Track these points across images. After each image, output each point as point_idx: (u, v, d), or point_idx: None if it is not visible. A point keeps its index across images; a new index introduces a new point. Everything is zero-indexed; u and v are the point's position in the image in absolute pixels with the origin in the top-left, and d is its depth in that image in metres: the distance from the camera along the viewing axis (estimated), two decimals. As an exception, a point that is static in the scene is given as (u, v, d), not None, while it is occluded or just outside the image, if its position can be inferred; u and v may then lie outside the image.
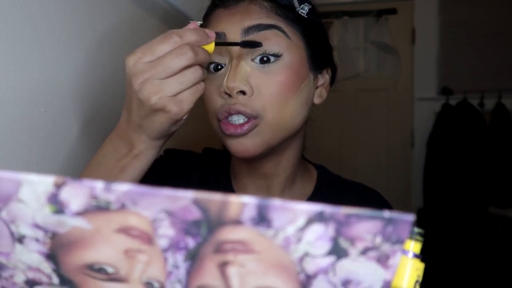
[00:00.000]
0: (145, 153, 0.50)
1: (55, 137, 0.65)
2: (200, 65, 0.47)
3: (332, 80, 0.68)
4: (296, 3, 0.59)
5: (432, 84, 2.75)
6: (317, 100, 0.64)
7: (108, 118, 0.77)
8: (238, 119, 0.56)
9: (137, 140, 0.49)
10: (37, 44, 0.60)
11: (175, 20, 1.03)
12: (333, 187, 0.70)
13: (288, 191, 0.67)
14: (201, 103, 0.59)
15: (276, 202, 0.22)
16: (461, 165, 2.50)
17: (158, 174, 0.69)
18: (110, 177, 0.50)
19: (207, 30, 0.50)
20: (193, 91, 0.47)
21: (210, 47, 0.50)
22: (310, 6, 0.60)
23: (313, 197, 0.68)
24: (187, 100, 0.46)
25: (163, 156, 0.72)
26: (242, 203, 0.22)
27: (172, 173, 0.70)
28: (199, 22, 0.63)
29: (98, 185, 0.22)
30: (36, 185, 0.23)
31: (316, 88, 0.63)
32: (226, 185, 0.69)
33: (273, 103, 0.56)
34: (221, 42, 0.55)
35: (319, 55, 0.63)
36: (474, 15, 2.65)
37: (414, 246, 0.35)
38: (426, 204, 2.67)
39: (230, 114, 0.56)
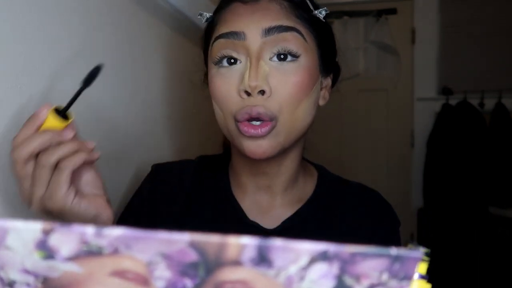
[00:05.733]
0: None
1: (56, 137, 0.65)
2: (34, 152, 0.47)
3: (334, 82, 0.68)
4: (311, 6, 0.60)
5: (432, 84, 2.74)
6: (321, 102, 0.65)
7: (108, 119, 0.77)
8: (257, 122, 0.56)
9: None
10: (37, 44, 0.60)
11: (177, 21, 1.03)
12: (333, 187, 0.70)
13: (290, 191, 0.67)
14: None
15: (277, 243, 0.21)
16: (461, 165, 2.49)
17: (148, 193, 0.69)
18: None
19: (37, 111, 0.48)
20: (37, 183, 0.47)
21: (52, 121, 0.48)
22: (328, 11, 0.61)
23: (314, 197, 0.68)
24: (35, 196, 0.47)
25: (149, 173, 0.72)
26: (241, 244, 0.21)
27: (161, 187, 0.69)
28: (209, 14, 0.63)
29: (89, 231, 0.22)
30: (23, 233, 0.22)
31: (321, 90, 0.64)
32: (225, 185, 0.69)
33: (289, 105, 0.57)
34: (69, 103, 0.51)
35: (328, 59, 0.64)
36: (474, 15, 2.65)
37: (420, 267, 0.34)
38: (426, 204, 2.67)
39: (251, 117, 0.56)
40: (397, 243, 0.68)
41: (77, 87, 0.70)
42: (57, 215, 0.48)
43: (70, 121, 0.50)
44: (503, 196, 2.44)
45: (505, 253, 2.33)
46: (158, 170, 0.72)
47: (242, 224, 0.65)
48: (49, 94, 0.63)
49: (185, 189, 0.69)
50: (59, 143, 0.47)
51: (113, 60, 0.79)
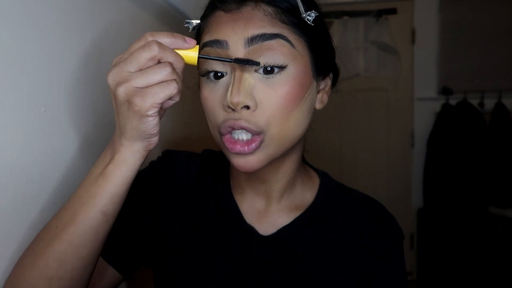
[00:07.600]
0: (125, 159, 0.51)
1: (55, 137, 0.65)
2: (172, 64, 0.47)
3: (334, 83, 0.65)
4: (302, 9, 0.55)
5: (432, 84, 2.75)
6: (318, 106, 0.62)
7: (108, 117, 0.77)
8: (241, 134, 0.54)
9: (118, 144, 0.51)
10: (38, 44, 0.60)
11: (172, 18, 1.03)
12: (335, 196, 0.68)
13: (287, 197, 0.66)
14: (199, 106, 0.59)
15: None
16: (461, 165, 2.50)
17: (155, 175, 0.69)
18: (95, 185, 0.51)
19: (187, 38, 0.49)
20: (160, 87, 0.46)
21: (193, 58, 0.50)
22: (317, 13, 0.56)
23: (314, 206, 0.66)
24: (152, 94, 0.46)
25: (160, 157, 0.72)
26: None
27: (168, 172, 0.70)
28: (197, 21, 0.61)
29: None
30: None
31: (318, 93, 0.61)
32: (226, 186, 0.68)
33: (277, 118, 0.54)
34: (212, 57, 0.52)
35: (323, 62, 0.60)
36: (474, 15, 2.65)
37: None
38: (426, 204, 2.67)
39: (233, 130, 0.54)
40: (400, 258, 0.65)
41: (76, 87, 0.70)
42: (127, 105, 0.47)
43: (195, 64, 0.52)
44: (503, 196, 2.44)
45: (505, 253, 2.33)
46: (169, 157, 0.72)
47: (239, 228, 0.64)
48: (48, 94, 0.63)
49: (190, 182, 0.69)
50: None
51: (111, 57, 0.79)
